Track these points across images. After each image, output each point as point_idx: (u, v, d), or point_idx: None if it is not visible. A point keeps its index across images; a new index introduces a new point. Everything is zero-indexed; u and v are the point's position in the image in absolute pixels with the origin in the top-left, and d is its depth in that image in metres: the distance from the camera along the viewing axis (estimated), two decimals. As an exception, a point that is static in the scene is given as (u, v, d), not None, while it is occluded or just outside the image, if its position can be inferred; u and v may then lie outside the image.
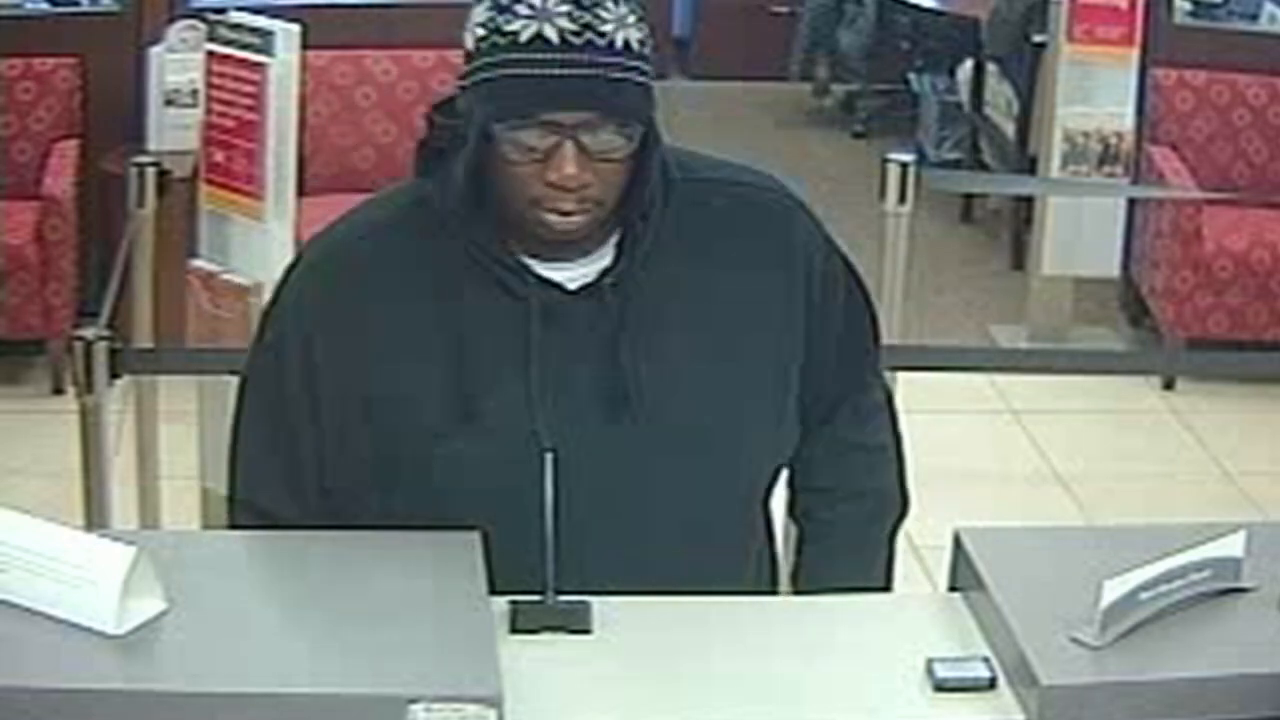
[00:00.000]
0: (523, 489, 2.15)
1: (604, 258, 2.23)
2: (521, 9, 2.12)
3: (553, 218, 2.16)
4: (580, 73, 2.11)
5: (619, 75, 2.12)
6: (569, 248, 2.21)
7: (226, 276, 4.48)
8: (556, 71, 2.10)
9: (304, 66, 4.74)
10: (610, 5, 2.13)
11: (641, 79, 2.15)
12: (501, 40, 2.12)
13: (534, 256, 2.22)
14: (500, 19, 2.13)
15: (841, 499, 2.42)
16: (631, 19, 2.15)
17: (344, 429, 2.22)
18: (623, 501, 2.20)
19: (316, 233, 2.33)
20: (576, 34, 2.11)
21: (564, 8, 2.11)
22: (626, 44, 2.13)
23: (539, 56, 2.11)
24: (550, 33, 2.11)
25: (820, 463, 2.40)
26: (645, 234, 2.22)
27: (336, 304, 2.24)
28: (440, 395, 2.19)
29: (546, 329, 2.20)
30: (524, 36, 2.11)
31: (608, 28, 2.12)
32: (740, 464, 2.29)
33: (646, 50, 2.16)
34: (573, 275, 2.22)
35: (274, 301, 2.31)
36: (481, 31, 2.14)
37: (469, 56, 2.17)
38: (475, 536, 2.10)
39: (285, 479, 2.26)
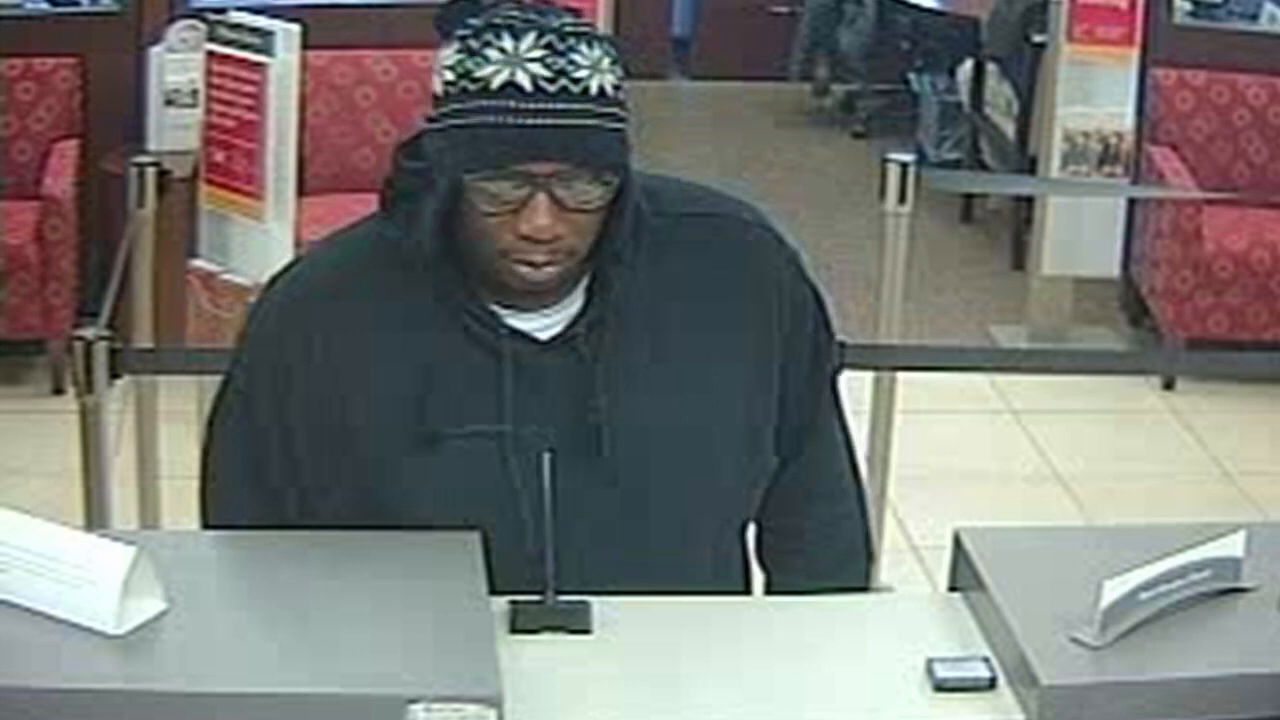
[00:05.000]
0: (495, 523, 2.12)
1: (574, 304, 2.18)
2: (493, 53, 2.05)
3: (523, 269, 2.10)
4: (554, 122, 2.03)
5: (594, 123, 2.05)
6: (539, 296, 2.16)
7: (226, 276, 4.49)
8: (529, 121, 2.03)
9: (304, 66, 4.75)
10: (585, 49, 2.06)
11: (617, 125, 2.08)
12: (472, 86, 2.05)
13: (503, 305, 2.16)
14: (470, 63, 2.06)
15: (809, 545, 2.39)
16: (606, 62, 2.08)
17: (315, 460, 2.19)
18: (593, 543, 2.16)
19: (278, 271, 2.29)
20: (550, 80, 2.04)
21: (537, 53, 2.04)
22: (601, 90, 2.06)
23: (511, 105, 2.03)
24: (523, 79, 2.04)
25: (785, 503, 2.35)
26: (616, 279, 2.16)
27: (305, 335, 2.18)
28: (406, 431, 2.15)
29: (518, 381, 2.15)
30: (495, 83, 2.04)
31: (582, 74, 2.05)
32: (714, 499, 2.24)
33: (622, 95, 2.09)
34: (543, 325, 2.17)
35: (242, 338, 2.28)
36: (451, 76, 2.07)
37: (437, 100, 2.09)
38: (475, 536, 2.10)
39: (260, 509, 2.23)
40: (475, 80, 2.05)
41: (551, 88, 2.04)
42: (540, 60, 2.04)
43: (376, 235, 2.21)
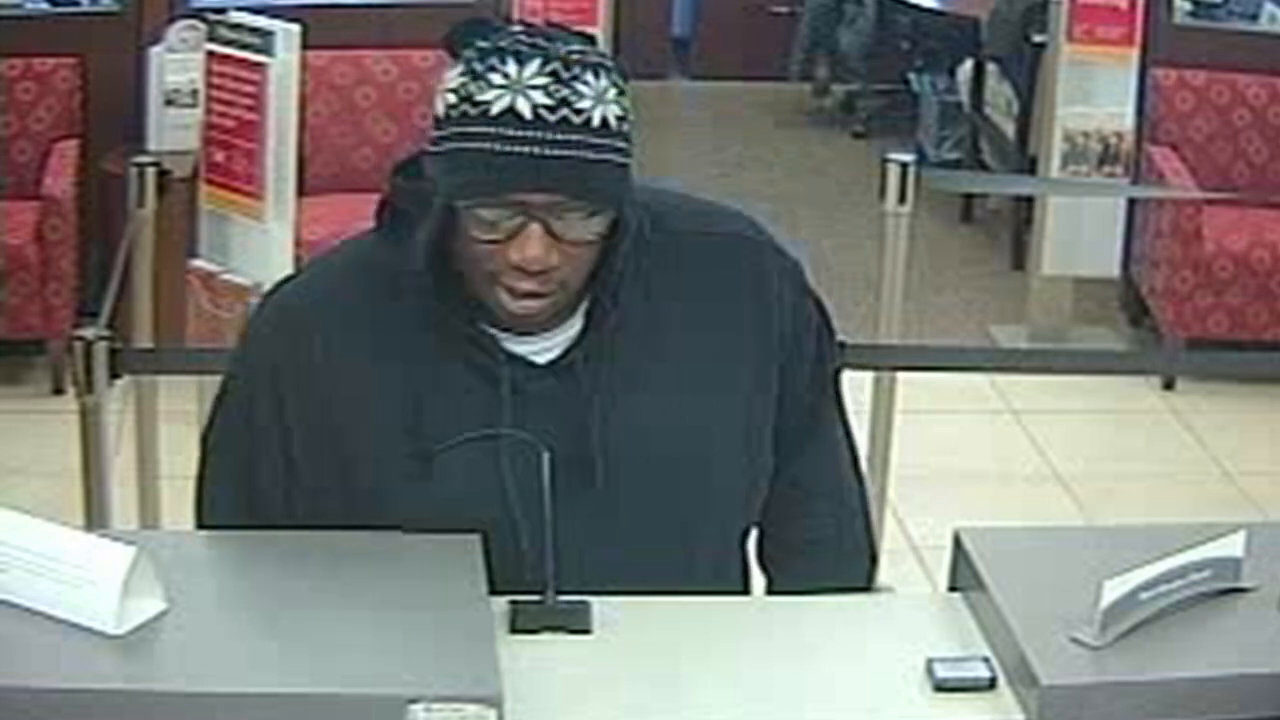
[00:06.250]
0: (493, 530, 2.11)
1: (573, 327, 2.16)
2: (495, 78, 2.02)
3: (510, 300, 2.08)
4: (552, 152, 2.00)
5: (594, 157, 2.02)
6: (530, 325, 2.14)
7: (226, 276, 4.49)
8: (527, 149, 2.00)
9: (304, 66, 4.75)
10: (590, 79, 2.03)
11: (619, 159, 2.04)
12: (472, 110, 2.02)
13: (500, 327, 2.14)
14: (473, 87, 2.02)
15: (810, 544, 2.38)
16: (612, 93, 2.04)
17: (314, 461, 2.18)
18: (592, 545, 2.15)
19: (276, 283, 2.29)
20: (551, 109, 2.00)
21: (541, 80, 2.01)
22: (605, 121, 2.02)
23: (509, 132, 2.00)
24: (523, 106, 2.00)
25: (786, 507, 2.34)
26: (614, 307, 2.14)
27: (305, 335, 2.17)
28: (405, 436, 2.14)
29: (514, 403, 2.13)
30: (495, 109, 2.01)
31: (585, 104, 2.02)
32: (713, 499, 2.23)
33: (626, 127, 2.05)
34: (542, 348, 2.16)
35: (243, 339, 2.28)
36: (453, 98, 2.04)
37: (438, 122, 2.06)
38: (475, 537, 2.09)
39: (247, 511, 2.22)
40: (476, 104, 2.02)
41: (552, 117, 2.01)
42: (543, 88, 2.01)
43: (367, 254, 2.20)
